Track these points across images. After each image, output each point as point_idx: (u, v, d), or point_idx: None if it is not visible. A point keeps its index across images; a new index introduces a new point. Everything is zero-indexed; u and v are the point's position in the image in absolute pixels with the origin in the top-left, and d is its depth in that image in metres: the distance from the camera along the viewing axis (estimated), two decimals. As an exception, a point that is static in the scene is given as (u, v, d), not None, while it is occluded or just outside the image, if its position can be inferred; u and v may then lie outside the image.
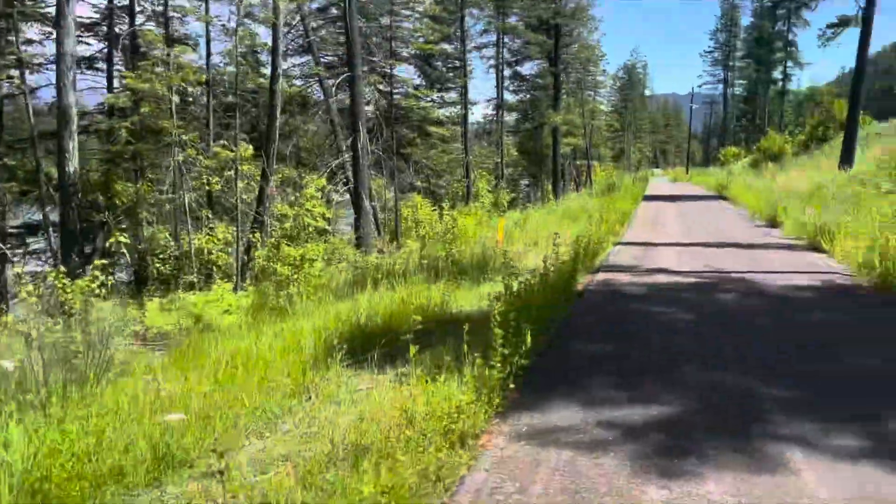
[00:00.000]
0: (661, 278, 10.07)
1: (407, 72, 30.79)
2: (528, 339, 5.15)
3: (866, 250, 10.16)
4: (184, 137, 15.43)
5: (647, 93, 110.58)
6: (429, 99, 32.85)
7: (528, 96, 43.22)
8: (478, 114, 71.88)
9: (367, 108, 24.78)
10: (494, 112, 34.98)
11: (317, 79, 22.81)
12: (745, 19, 75.58)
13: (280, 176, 18.60)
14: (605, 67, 57.82)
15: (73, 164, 14.45)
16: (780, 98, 67.66)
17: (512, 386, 4.94)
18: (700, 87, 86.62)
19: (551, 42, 36.31)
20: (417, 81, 33.23)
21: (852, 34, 26.38)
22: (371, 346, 6.57)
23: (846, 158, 26.35)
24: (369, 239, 18.27)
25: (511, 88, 41.36)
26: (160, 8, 18.64)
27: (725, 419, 4.55)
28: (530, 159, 44.24)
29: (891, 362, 5.77)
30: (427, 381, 4.83)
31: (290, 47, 24.28)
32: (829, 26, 28.69)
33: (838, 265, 11.24)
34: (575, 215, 19.93)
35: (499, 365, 4.72)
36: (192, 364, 6.51)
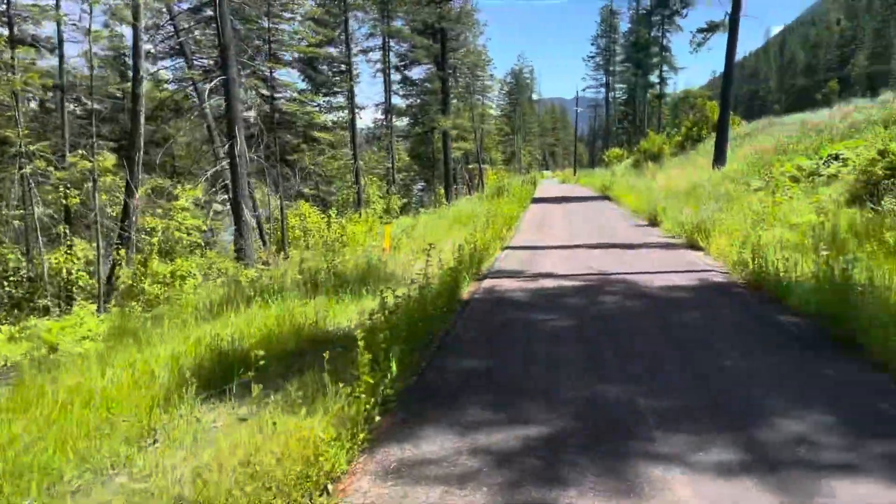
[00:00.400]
0: (547, 283, 9.95)
1: (290, 76, 29.81)
2: (394, 366, 4.73)
3: (740, 248, 10.47)
4: (31, 148, 13.98)
5: (535, 97, 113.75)
6: (314, 104, 31.99)
7: (417, 101, 43.11)
8: (367, 118, 71.22)
9: (248, 113, 23.72)
10: (384, 116, 34.60)
11: (191, 83, 21.54)
12: (624, 25, 78.91)
13: (149, 187, 17.35)
14: (493, 72, 58.63)
15: None
16: (658, 101, 71.01)
17: (378, 419, 4.50)
18: (584, 90, 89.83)
19: (438, 46, 36.28)
20: (302, 86, 32.31)
21: (721, 40, 27.85)
22: (236, 373, 5.96)
23: (719, 158, 27.74)
24: (251, 251, 17.34)
25: (401, 93, 41.17)
26: (2, 7, 16.90)
27: (605, 438, 4.30)
28: (422, 164, 44.15)
29: (770, 365, 5.77)
30: (288, 414, 4.32)
31: (161, 49, 22.84)
32: (700, 31, 30.20)
33: (714, 262, 11.56)
34: (465, 220, 19.80)
35: (363, 396, 4.27)
36: (30, 404, 5.68)
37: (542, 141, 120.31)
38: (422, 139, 41.98)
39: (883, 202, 13.83)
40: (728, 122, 28.83)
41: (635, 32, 70.98)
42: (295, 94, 27.37)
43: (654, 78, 69.50)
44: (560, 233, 17.25)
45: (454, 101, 52.26)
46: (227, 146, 17.43)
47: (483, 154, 60.82)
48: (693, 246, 13.58)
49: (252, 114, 24.00)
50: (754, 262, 9.38)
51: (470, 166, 56.86)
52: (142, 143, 15.35)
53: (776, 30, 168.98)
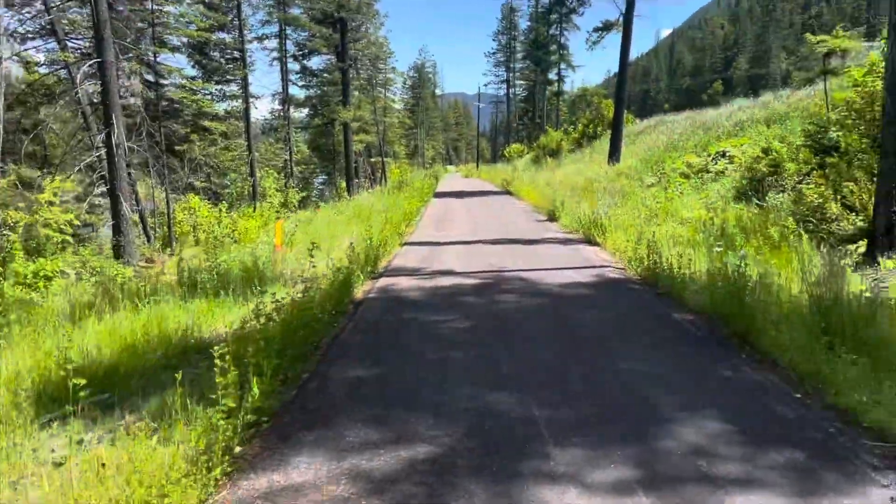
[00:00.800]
0: (445, 281, 9.59)
1: (178, 62, 28.06)
2: (256, 387, 4.17)
3: (635, 244, 10.49)
4: None
5: (438, 92, 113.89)
6: (206, 92, 30.41)
7: (318, 91, 41.92)
8: (264, 109, 68.91)
9: (131, 100, 22.12)
10: (281, 107, 33.30)
11: (63, 65, 19.80)
12: (524, 23, 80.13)
13: (14, 178, 15.75)
14: (395, 65, 58.03)
15: None
16: (557, 98, 72.52)
17: (238, 449, 3.94)
18: (486, 86, 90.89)
19: (337, 36, 35.29)
20: (192, 72, 30.62)
21: (616, 39, 28.53)
22: (91, 390, 5.22)
23: (614, 154, 28.42)
24: (131, 248, 16.08)
25: (301, 84, 39.88)
26: None
27: (497, 456, 3.94)
28: (323, 156, 43.03)
29: (667, 368, 5.61)
30: (137, 443, 3.70)
31: (31, 29, 20.88)
32: (595, 30, 30.82)
33: (610, 258, 11.59)
34: (365, 214, 19.22)
35: (222, 422, 3.70)
36: None
37: (445, 136, 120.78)
38: (322, 131, 40.83)
39: (767, 198, 14.37)
40: (622, 119, 29.61)
41: (534, 30, 72.13)
42: (184, 81, 25.82)
43: (552, 75, 70.91)
44: (461, 228, 17.01)
45: (356, 92, 51.27)
46: (103, 134, 16.06)
47: (386, 147, 60.14)
48: (590, 241, 13.63)
49: (134, 101, 22.41)
50: (649, 259, 9.39)
51: (373, 159, 56.03)
52: (1, 129, 13.85)
53: (665, 32, 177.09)
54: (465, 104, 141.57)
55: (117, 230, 15.85)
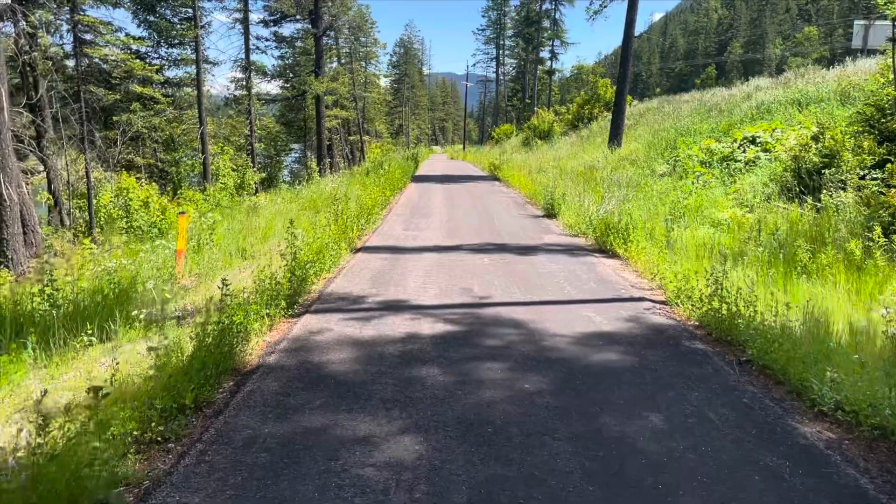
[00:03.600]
0: (397, 327, 6.21)
1: (118, 20, 24.23)
2: None
3: (686, 276, 7.16)
4: None
5: (426, 70, 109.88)
6: (156, 54, 26.65)
7: (290, 62, 38.04)
8: (225, 78, 64.52)
9: (46, 61, 18.49)
10: (243, 75, 29.55)
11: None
12: (514, -1, 76.28)
13: None
14: (379, 37, 54.06)
15: None
16: (549, 77, 68.97)
17: None
18: (474, 65, 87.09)
19: (310, -2, 31.51)
20: (138, 32, 26.80)
21: (617, 18, 25.13)
22: None
23: (615, 137, 25.12)
24: (16, 244, 12.49)
25: (269, 52, 35.93)
26: None
27: None
28: (293, 132, 39.28)
29: None
30: None
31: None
32: (598, -3, 27.31)
33: (639, 280, 8.30)
34: (321, 203, 15.78)
35: None
36: None
37: (431, 115, 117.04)
38: (291, 105, 37.03)
39: (822, 196, 11.19)
40: (625, 98, 26.22)
41: (526, 5, 68.38)
42: (120, 40, 22.06)
43: (545, 53, 67.29)
44: (437, 225, 13.62)
45: (333, 64, 47.40)
46: (-24, 96, 12.44)
47: (367, 125, 56.50)
48: (604, 251, 10.34)
49: (67, 62, 18.74)
50: (717, 299, 6.06)
51: (352, 137, 52.34)
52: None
53: (658, 16, 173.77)
54: (453, 84, 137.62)
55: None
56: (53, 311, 6.49)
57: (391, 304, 7.01)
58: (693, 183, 15.67)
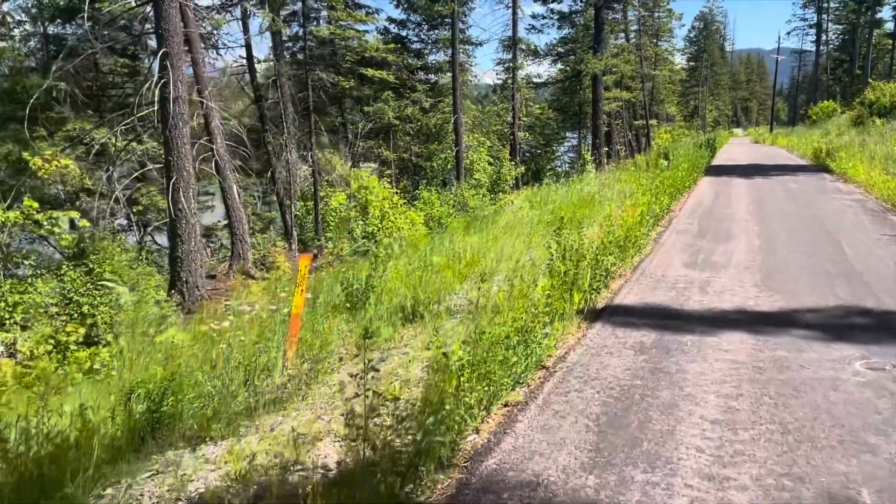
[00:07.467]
0: None
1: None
2: None
3: None
4: None
5: (728, 46, 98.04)
6: (414, 39, 24.52)
7: (569, 38, 34.07)
8: (489, 62, 61.34)
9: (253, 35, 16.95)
10: (509, 56, 26.17)
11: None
12: (847, -54, 62.77)
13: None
14: (673, 7, 47.38)
15: None
16: (891, 41, 55.36)
17: None
18: (788, 34, 74.80)
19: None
20: (397, 14, 24.85)
21: None
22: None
23: None
24: (192, 264, 10.27)
25: (549, 33, 32.22)
26: None
27: None
28: (567, 119, 35.23)
29: None
30: None
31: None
32: None
33: None
34: (579, 208, 11.51)
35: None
36: None
37: (733, 95, 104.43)
38: (565, 87, 32.96)
39: None
40: None
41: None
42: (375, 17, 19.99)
43: (884, 13, 53.84)
44: (744, 258, 8.45)
45: (619, 41, 42.10)
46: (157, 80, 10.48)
47: (656, 108, 50.23)
48: None
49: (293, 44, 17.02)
50: None
51: (637, 122, 46.61)
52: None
53: None
54: (759, 60, 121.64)
55: (174, 239, 10.18)
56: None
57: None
58: None
